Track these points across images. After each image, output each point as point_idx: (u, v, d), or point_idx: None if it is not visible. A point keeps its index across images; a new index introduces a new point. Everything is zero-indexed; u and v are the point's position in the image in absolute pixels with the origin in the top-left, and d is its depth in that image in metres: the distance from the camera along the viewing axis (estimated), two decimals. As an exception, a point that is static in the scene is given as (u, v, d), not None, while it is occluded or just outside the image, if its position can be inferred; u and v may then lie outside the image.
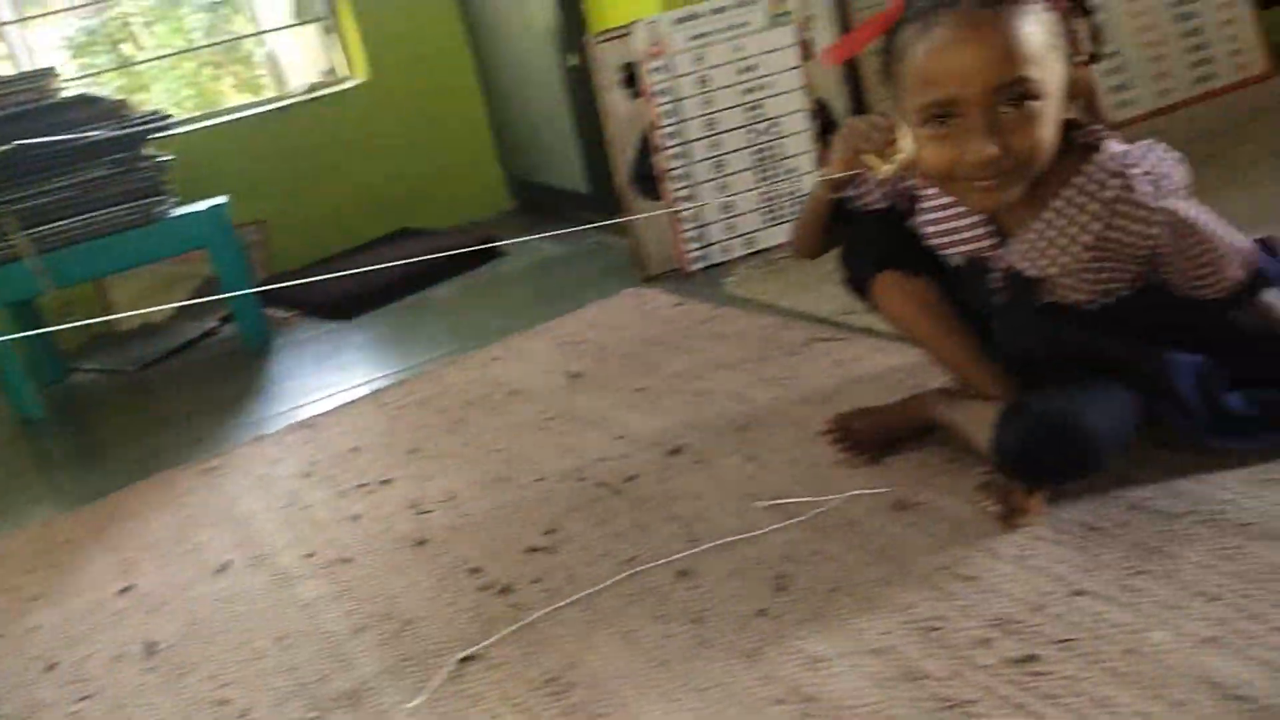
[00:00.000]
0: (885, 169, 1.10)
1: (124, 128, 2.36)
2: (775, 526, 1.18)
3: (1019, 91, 0.95)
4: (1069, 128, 1.03)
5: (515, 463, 1.57)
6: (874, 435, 1.29)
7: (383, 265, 2.34)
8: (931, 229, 1.18)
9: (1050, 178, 1.03)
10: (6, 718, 1.19)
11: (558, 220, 3.28)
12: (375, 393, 2.05)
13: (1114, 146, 1.04)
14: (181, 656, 1.24)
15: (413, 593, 1.26)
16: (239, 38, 3.65)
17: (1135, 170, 1.01)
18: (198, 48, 3.69)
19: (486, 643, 1.11)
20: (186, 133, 2.95)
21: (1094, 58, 1.04)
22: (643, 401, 1.69)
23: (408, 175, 3.40)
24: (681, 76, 2.30)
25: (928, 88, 0.98)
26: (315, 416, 1.98)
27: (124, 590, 1.44)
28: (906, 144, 1.07)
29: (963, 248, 1.15)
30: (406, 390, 2.02)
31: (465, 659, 1.09)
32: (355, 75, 3.38)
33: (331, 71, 3.44)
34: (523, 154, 3.42)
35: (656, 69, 2.28)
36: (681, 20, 2.27)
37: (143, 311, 2.83)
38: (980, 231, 1.12)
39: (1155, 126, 2.33)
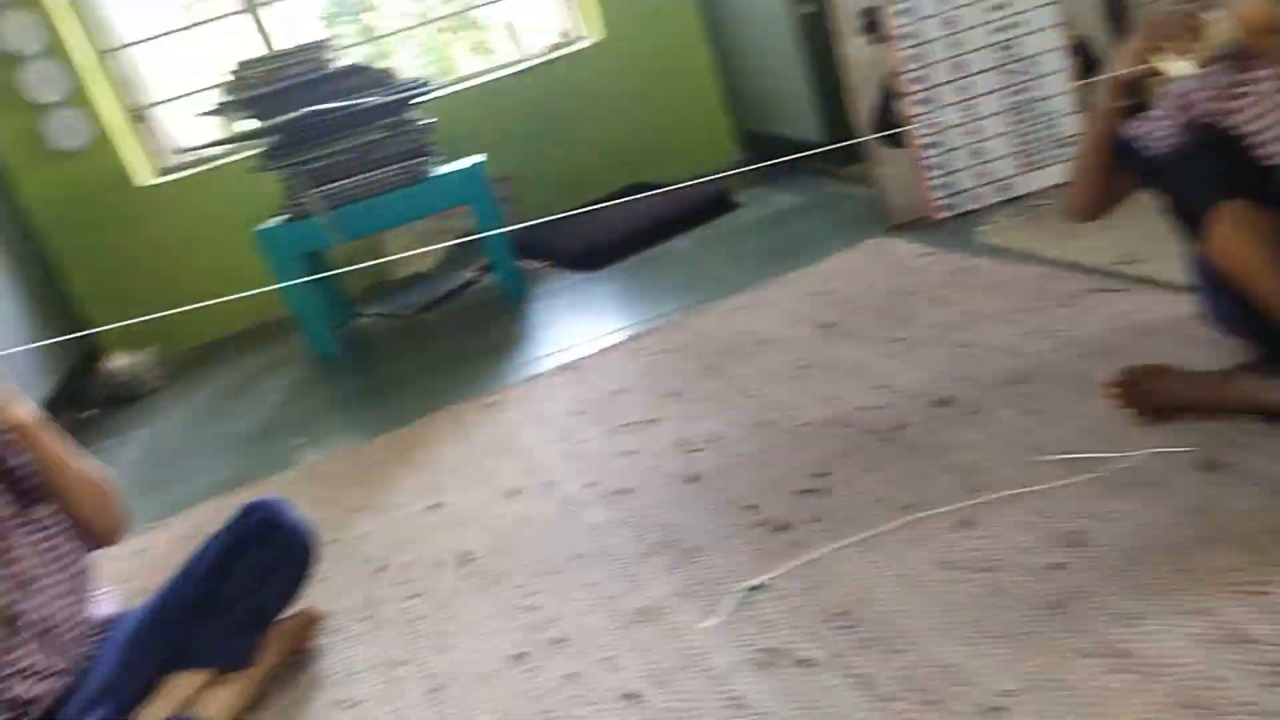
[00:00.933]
0: (1181, 66, 1.05)
1: (393, 93, 2.59)
2: (1065, 481, 1.17)
3: None
4: None
5: (776, 408, 1.63)
6: (1167, 399, 1.21)
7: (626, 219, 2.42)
8: (1255, 125, 1.09)
9: None
10: (351, 609, 1.40)
11: (790, 170, 3.28)
12: (631, 339, 2.17)
13: None
14: (491, 566, 1.40)
15: (693, 524, 1.35)
16: (479, 5, 3.85)
17: None
18: (439, 17, 3.93)
19: (773, 574, 1.18)
20: (441, 96, 3.18)
21: None
22: (902, 352, 1.69)
23: (640, 130, 3.50)
24: (927, 19, 2.22)
25: None
26: (578, 360, 2.13)
27: (433, 507, 1.64)
28: (1215, 30, 1.02)
29: None
30: (659, 337, 2.12)
31: (754, 588, 1.17)
32: (591, 34, 3.50)
33: (568, 33, 3.58)
34: (753, 105, 3.43)
35: (901, 11, 2.22)
36: (929, -42, 2.19)
37: (414, 253, 3.10)
38: None
39: None
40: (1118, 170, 1.23)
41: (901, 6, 2.21)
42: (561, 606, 1.26)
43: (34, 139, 3.06)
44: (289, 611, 1.29)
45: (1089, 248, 1.82)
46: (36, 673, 1.03)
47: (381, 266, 3.25)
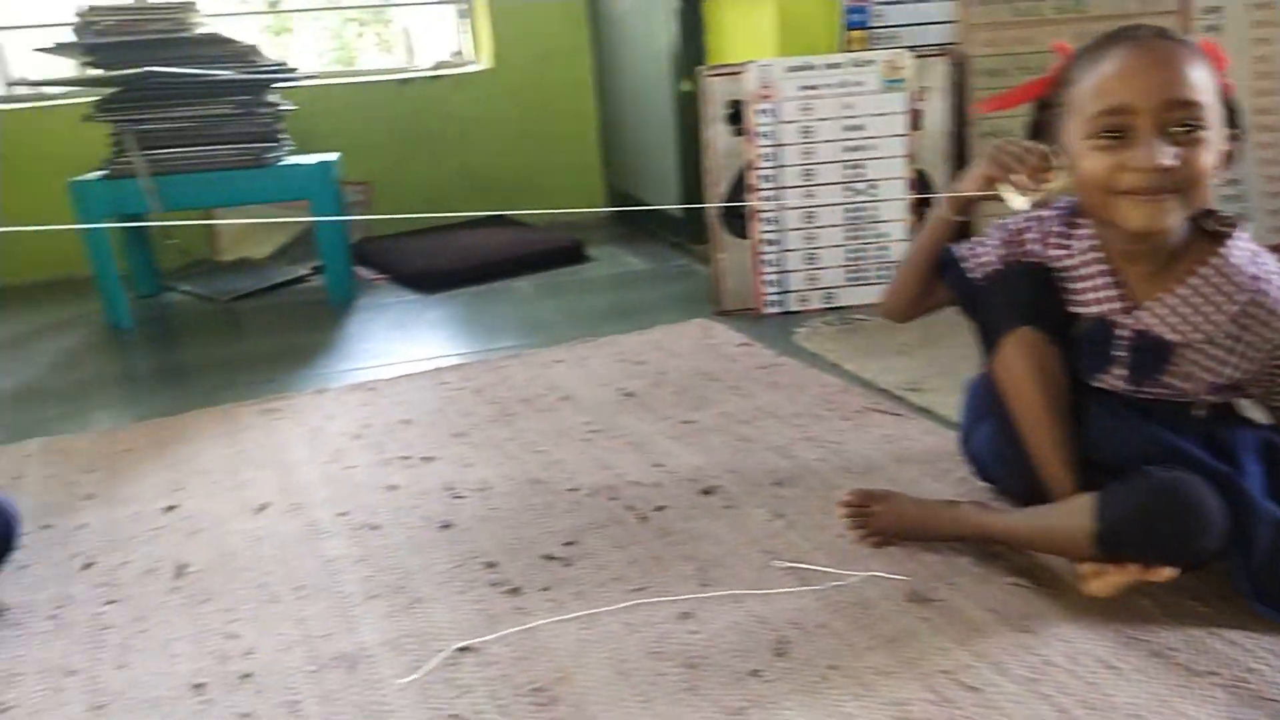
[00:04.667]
0: (1019, 200, 1.11)
1: (251, 72, 2.48)
2: (788, 590, 1.19)
3: (1190, 117, 1.01)
4: (1204, 214, 1.09)
5: (552, 468, 1.61)
6: (891, 525, 1.26)
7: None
8: (1068, 276, 1.17)
9: (1184, 255, 1.10)
10: (39, 604, 1.27)
11: (648, 236, 3.34)
12: (437, 370, 2.11)
13: (1246, 239, 1.10)
14: (206, 584, 1.31)
15: (428, 573, 1.31)
16: (385, 4, 3.79)
17: (1270, 269, 1.08)
18: (344, 6, 3.85)
19: (486, 638, 1.15)
20: (313, 87, 3.08)
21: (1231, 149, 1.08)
22: (688, 434, 1.71)
23: (513, 165, 3.49)
24: (786, 123, 2.32)
25: (1104, 96, 1.03)
26: (377, 381, 2.06)
27: (169, 509, 1.52)
28: (1057, 177, 1.10)
29: (1094, 308, 1.15)
30: (466, 374, 2.08)
31: (463, 649, 1.13)
32: (480, 60, 3.49)
33: (459, 54, 3.56)
34: (625, 165, 3.48)
35: (763, 111, 2.30)
36: (795, 69, 2.29)
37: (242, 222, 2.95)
38: (1113, 293, 1.13)
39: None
40: (936, 281, 1.29)
41: (765, 106, 2.29)
42: (262, 639, 1.18)
43: None
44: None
45: (885, 368, 1.91)
46: None
47: (212, 246, 3.08)
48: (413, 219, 3.31)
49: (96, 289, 2.55)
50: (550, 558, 1.33)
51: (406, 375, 2.09)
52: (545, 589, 1.25)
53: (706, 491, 1.49)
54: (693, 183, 2.79)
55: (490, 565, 1.32)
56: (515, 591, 1.25)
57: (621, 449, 1.67)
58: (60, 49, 2.40)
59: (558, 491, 1.52)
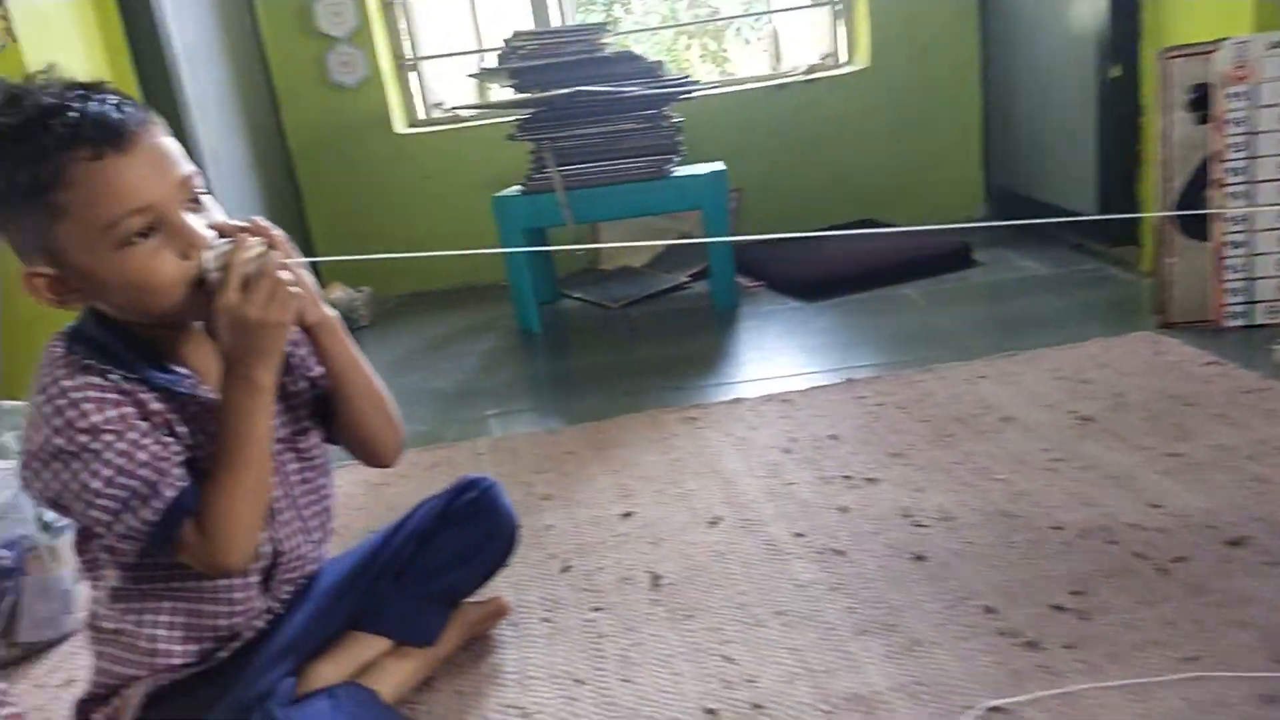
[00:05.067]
0: None
1: (658, 87, 2.54)
2: None
3: None
4: None
5: (1020, 500, 1.44)
6: None
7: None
8: None
9: None
10: (531, 606, 1.33)
11: (1040, 238, 3.04)
12: (849, 382, 2.02)
13: None
14: (684, 597, 1.30)
15: (918, 611, 1.20)
16: (753, 15, 3.79)
17: None
18: (698, 21, 3.89)
19: (1017, 699, 1.01)
20: (689, 99, 3.13)
21: None
22: (1179, 470, 1.47)
23: (885, 166, 3.34)
24: (1265, 107, 1.95)
25: None
26: (789, 392, 2.00)
27: (625, 515, 1.55)
28: None
29: None
30: (882, 388, 1.96)
31: (994, 709, 1.01)
32: (855, 61, 3.37)
33: (830, 55, 3.46)
34: (1014, 162, 3.19)
35: (1235, 95, 1.96)
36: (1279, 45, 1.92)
37: (640, 245, 3.07)
38: None
39: None
40: None
41: (1238, 89, 1.95)
42: (762, 667, 1.13)
43: (316, 68, 3.21)
44: (475, 597, 1.23)
45: None
46: (244, 609, 1.00)
47: (592, 254, 3.23)
48: (781, 223, 3.27)
49: (511, 296, 2.74)
50: (1059, 608, 1.17)
51: (818, 387, 2.01)
52: (1069, 646, 1.09)
53: (1234, 543, 1.25)
54: (1120, 179, 2.47)
55: (989, 610, 1.18)
56: (1032, 645, 1.10)
57: (1099, 483, 1.46)
58: (487, 74, 2.61)
59: (1038, 528, 1.35)
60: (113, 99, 0.85)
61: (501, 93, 3.25)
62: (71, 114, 0.82)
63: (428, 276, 3.37)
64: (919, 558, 1.32)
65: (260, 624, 1.03)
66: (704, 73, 4.76)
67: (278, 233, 0.94)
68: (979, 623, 1.16)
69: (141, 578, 0.96)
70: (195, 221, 0.88)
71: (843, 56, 3.42)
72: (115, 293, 0.87)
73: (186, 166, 0.89)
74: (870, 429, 1.77)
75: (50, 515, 1.34)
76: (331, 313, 1.01)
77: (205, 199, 0.91)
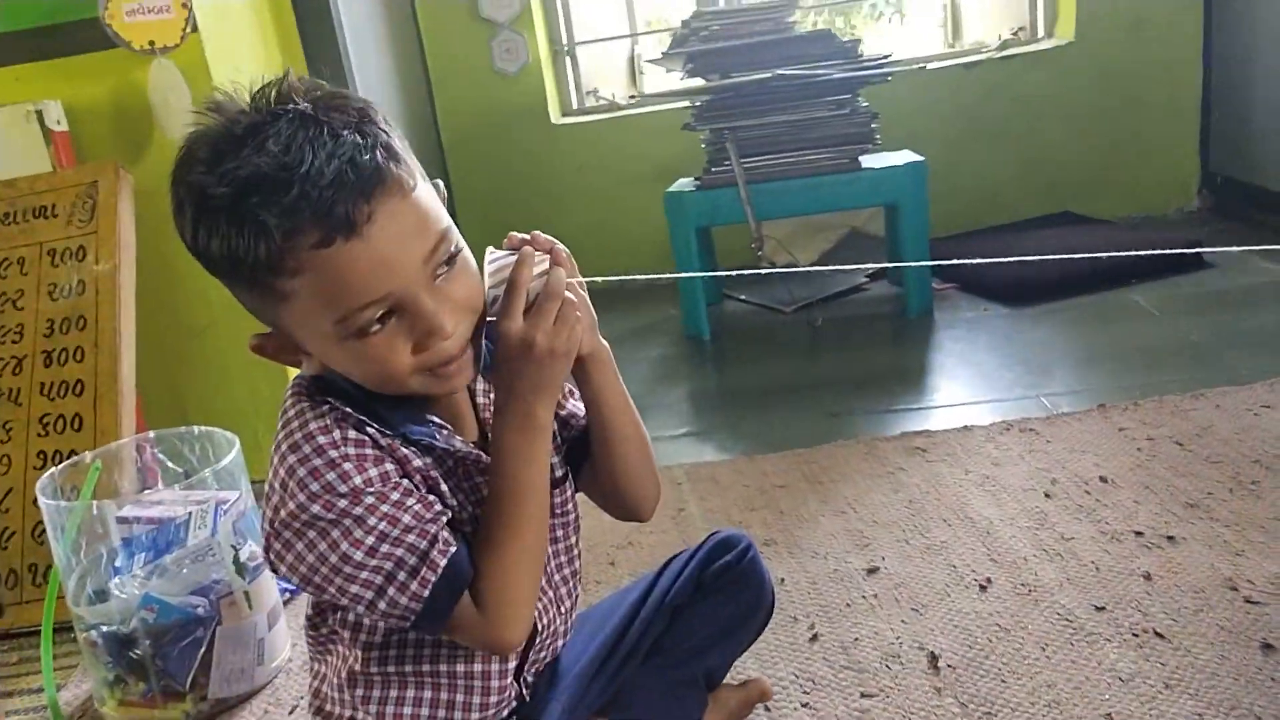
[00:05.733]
0: None
1: (855, 69, 2.29)
2: None
3: None
4: None
5: (1386, 575, 1.16)
6: None
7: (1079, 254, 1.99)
8: None
9: None
10: (785, 681, 1.13)
11: (1275, 232, 2.65)
12: (1102, 409, 1.74)
13: None
14: (975, 689, 1.07)
15: (1293, 726, 0.94)
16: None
17: None
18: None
19: None
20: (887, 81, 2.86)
21: None
22: None
23: (1086, 153, 3.00)
24: None
25: None
26: (1030, 419, 1.73)
27: (871, 571, 1.33)
28: None
29: None
30: (1146, 417, 1.68)
31: None
32: (1057, 36, 3.02)
33: (1023, 29, 3.12)
34: (1241, 147, 2.80)
35: None
36: None
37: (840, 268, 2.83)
38: None
39: None
40: None
41: None
42: (1106, 797, 0.90)
43: (476, 55, 3.07)
44: (729, 677, 1.04)
45: None
46: (498, 698, 0.83)
47: (754, 252, 3.00)
48: (965, 217, 2.97)
49: (679, 299, 2.55)
50: None
51: (1065, 415, 1.74)
52: None
53: None
54: None
55: (1401, 736, 0.92)
56: None
57: None
58: (668, 58, 2.41)
59: None
60: (346, 149, 0.66)
61: (660, 80, 3.06)
62: (293, 189, 0.64)
63: (583, 271, 3.21)
64: (1268, 647, 1.06)
65: (504, 714, 0.86)
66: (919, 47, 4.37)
67: (561, 248, 0.78)
68: (1393, 754, 0.90)
69: (387, 658, 0.80)
70: (441, 301, 0.71)
71: (1040, 30, 3.08)
72: (348, 371, 0.74)
73: (435, 231, 0.71)
74: (1148, 470, 1.50)
75: (246, 553, 1.22)
76: (603, 344, 0.83)
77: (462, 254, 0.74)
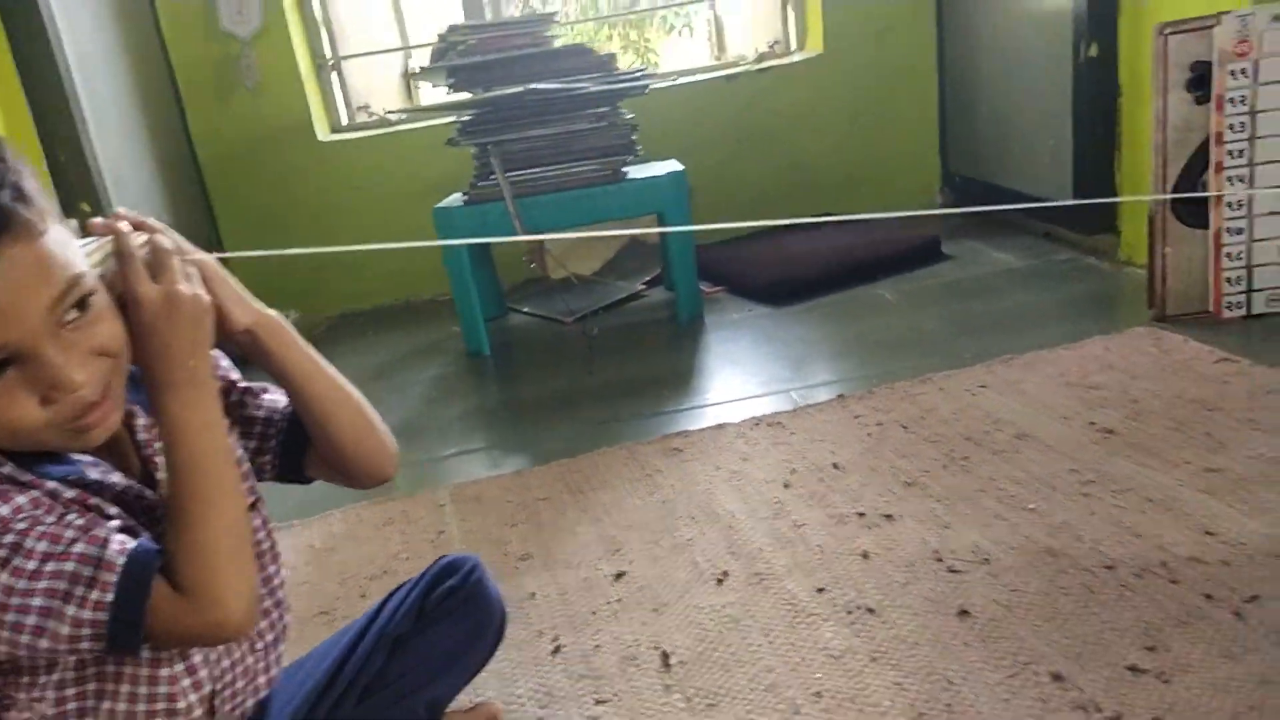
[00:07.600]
0: None
1: (612, 82, 2.34)
2: None
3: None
4: None
5: (1060, 534, 1.30)
6: None
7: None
8: None
9: None
10: (523, 697, 1.13)
11: (1007, 227, 2.93)
12: (840, 399, 1.86)
13: None
14: (701, 681, 1.11)
15: (976, 684, 1.04)
16: (684, 3, 3.60)
17: None
18: (649, 10, 3.70)
19: (1122, 798, 0.86)
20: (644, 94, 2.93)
21: None
22: (1225, 488, 1.34)
23: (840, 157, 3.20)
24: (1269, 85, 1.85)
25: None
26: (778, 414, 1.83)
27: (618, 576, 1.36)
28: None
29: None
30: (878, 404, 1.81)
31: (1099, 815, 0.85)
32: (807, 48, 3.21)
33: (778, 43, 3.30)
34: (975, 148, 3.08)
35: (1237, 72, 1.85)
36: (1281, 15, 1.82)
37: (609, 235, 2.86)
38: None
39: None
40: None
41: (1239, 65, 1.84)
42: (809, 770, 0.96)
43: (220, 72, 2.91)
44: (461, 700, 1.03)
45: None
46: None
47: (541, 265, 3.02)
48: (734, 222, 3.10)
49: (457, 314, 2.52)
50: (1135, 669, 1.02)
51: (809, 406, 1.85)
52: (1158, 719, 0.94)
53: (1310, 576, 1.12)
54: (1095, 164, 2.37)
55: (1058, 678, 1.03)
56: (1118, 722, 0.95)
57: (1143, 508, 1.33)
58: (425, 73, 2.37)
59: (1088, 569, 1.21)
60: None
61: (434, 94, 3.02)
62: None
63: (359, 295, 3.12)
64: (963, 613, 1.16)
65: None
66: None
67: (156, 224, 0.75)
68: (1050, 695, 1.00)
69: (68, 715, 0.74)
70: (68, 350, 0.66)
71: (793, 44, 3.26)
72: None
73: (62, 277, 0.66)
74: (875, 454, 1.61)
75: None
76: (270, 313, 0.80)
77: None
